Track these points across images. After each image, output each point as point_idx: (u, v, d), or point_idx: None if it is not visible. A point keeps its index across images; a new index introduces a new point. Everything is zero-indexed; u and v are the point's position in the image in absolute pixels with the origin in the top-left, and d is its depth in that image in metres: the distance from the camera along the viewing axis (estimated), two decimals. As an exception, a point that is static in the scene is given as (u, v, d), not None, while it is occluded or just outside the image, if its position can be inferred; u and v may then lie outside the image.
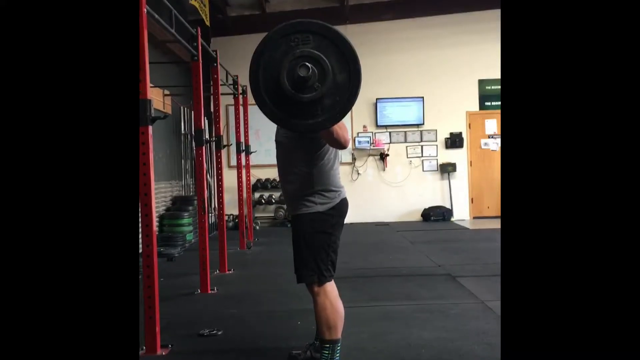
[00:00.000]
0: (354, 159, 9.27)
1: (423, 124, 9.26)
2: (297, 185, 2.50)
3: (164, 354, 2.88)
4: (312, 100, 2.09)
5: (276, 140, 2.58)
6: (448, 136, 9.30)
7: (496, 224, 7.05)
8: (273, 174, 8.46)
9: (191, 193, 8.11)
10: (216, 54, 5.22)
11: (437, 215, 9.02)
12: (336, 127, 2.25)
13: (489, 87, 9.22)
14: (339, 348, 2.47)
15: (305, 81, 2.04)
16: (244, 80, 7.02)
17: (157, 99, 6.71)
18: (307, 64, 2.03)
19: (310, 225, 2.46)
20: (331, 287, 2.47)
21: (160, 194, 7.02)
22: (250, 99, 8.70)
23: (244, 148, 6.82)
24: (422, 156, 9.35)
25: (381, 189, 9.30)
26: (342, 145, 2.37)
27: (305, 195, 2.47)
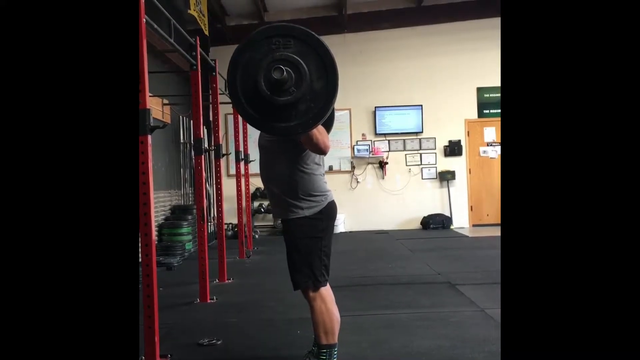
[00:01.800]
0: (353, 167, 9.28)
1: (422, 132, 9.28)
2: (281, 190, 2.49)
3: (163, 363, 2.87)
4: (287, 104, 2.08)
5: (259, 145, 2.58)
6: (447, 144, 9.31)
7: (496, 232, 7.04)
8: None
9: (190, 202, 8.10)
10: (215, 63, 5.23)
11: (436, 223, 9.01)
12: (316, 132, 2.26)
13: (488, 95, 9.25)
14: (336, 352, 2.48)
15: (281, 84, 2.04)
16: (243, 89, 7.06)
17: (156, 108, 6.71)
18: (282, 67, 2.03)
19: (300, 231, 2.46)
20: (327, 291, 2.47)
21: (159, 203, 7.01)
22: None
23: (243, 157, 6.83)
24: (421, 164, 9.36)
25: (380, 197, 9.30)
26: (321, 151, 2.37)
27: (291, 199, 2.47)
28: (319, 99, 2.10)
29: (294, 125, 2.13)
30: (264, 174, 2.60)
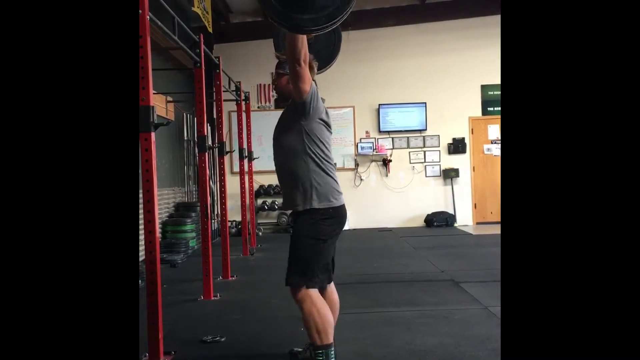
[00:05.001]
0: (356, 164, 9.27)
1: (426, 129, 9.27)
2: (291, 182, 2.52)
3: (167, 360, 2.88)
4: None
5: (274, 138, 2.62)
6: (451, 142, 9.30)
7: (499, 230, 7.03)
8: (275, 180, 8.47)
9: (194, 199, 8.11)
10: (219, 60, 5.23)
11: (440, 221, 9.01)
12: (299, 40, 2.25)
13: (492, 93, 9.24)
14: (332, 353, 2.45)
15: None
16: (247, 86, 7.07)
17: (160, 105, 6.72)
18: None
19: (305, 230, 2.47)
20: (316, 293, 2.47)
21: (163, 201, 7.02)
22: (253, 105, 8.65)
23: (246, 154, 6.83)
24: (424, 162, 9.35)
25: (384, 195, 9.30)
26: (292, 53, 2.30)
27: (297, 185, 2.49)
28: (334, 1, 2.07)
29: (307, 19, 2.09)
30: (276, 163, 2.63)
